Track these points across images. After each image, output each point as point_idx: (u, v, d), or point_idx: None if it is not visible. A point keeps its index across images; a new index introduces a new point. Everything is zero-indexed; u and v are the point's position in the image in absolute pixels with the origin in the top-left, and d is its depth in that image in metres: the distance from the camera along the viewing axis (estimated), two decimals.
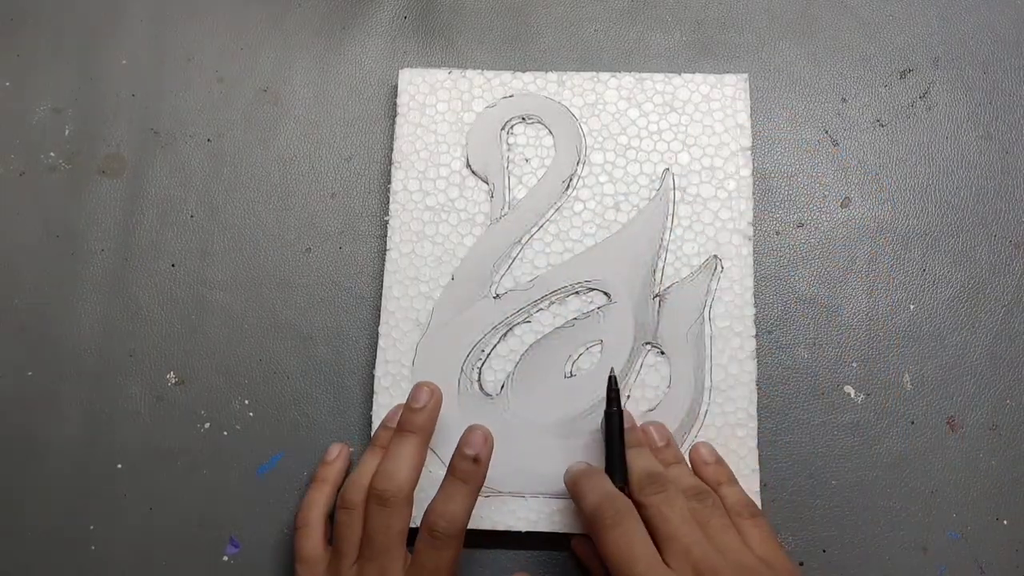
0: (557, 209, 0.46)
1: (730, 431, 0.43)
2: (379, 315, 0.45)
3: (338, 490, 0.42)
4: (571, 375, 0.45)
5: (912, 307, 0.46)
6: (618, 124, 0.48)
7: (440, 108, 0.48)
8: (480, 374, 0.45)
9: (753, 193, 0.47)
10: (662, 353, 0.44)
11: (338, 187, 0.49)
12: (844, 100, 0.49)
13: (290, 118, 0.50)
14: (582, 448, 0.43)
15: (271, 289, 0.47)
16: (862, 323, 0.46)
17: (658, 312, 0.45)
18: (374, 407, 0.44)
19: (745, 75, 0.48)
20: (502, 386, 0.45)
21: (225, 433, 0.46)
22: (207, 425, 0.46)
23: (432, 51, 0.51)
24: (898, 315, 0.46)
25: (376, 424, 0.44)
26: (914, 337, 0.46)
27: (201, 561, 0.44)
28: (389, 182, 0.47)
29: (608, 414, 0.41)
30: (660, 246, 0.46)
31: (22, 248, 0.49)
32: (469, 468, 0.39)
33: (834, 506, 0.44)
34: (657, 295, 0.45)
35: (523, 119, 0.48)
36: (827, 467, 0.44)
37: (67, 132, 0.50)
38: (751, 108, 0.48)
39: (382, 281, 0.46)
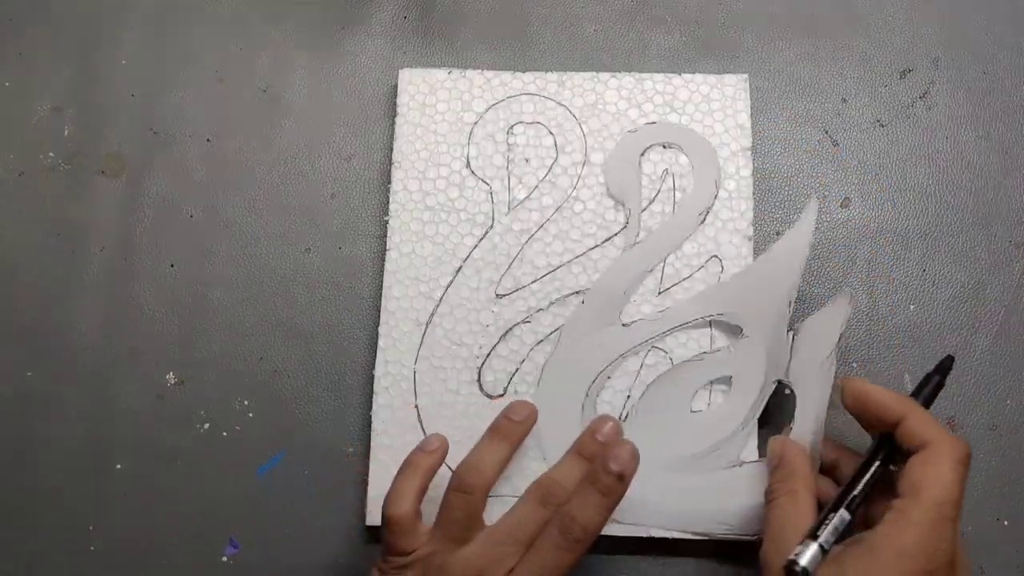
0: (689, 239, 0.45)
1: None
2: (379, 315, 0.45)
3: (427, 482, 0.40)
4: (696, 411, 0.43)
5: (912, 307, 0.46)
6: (618, 124, 0.47)
7: (440, 108, 0.48)
8: (602, 400, 0.44)
9: (753, 193, 0.47)
10: (790, 390, 0.42)
11: (338, 187, 0.49)
12: (844, 100, 0.49)
13: (290, 118, 0.50)
14: (697, 488, 0.41)
15: (271, 289, 0.47)
16: (862, 323, 0.46)
17: (791, 347, 0.42)
18: (374, 407, 0.44)
19: (745, 75, 0.48)
20: (625, 415, 0.44)
21: (225, 433, 0.46)
22: (207, 425, 0.46)
23: (432, 51, 0.51)
24: (898, 315, 0.46)
25: (375, 424, 0.44)
26: (914, 337, 0.46)
27: (200, 561, 0.44)
28: (389, 182, 0.47)
29: (928, 377, 0.40)
30: (799, 277, 0.43)
31: (22, 248, 0.49)
32: (612, 484, 0.37)
33: None
34: (791, 329, 0.43)
35: (664, 146, 0.47)
36: None
37: (67, 132, 0.50)
38: (751, 108, 0.48)
39: (382, 281, 0.46)
